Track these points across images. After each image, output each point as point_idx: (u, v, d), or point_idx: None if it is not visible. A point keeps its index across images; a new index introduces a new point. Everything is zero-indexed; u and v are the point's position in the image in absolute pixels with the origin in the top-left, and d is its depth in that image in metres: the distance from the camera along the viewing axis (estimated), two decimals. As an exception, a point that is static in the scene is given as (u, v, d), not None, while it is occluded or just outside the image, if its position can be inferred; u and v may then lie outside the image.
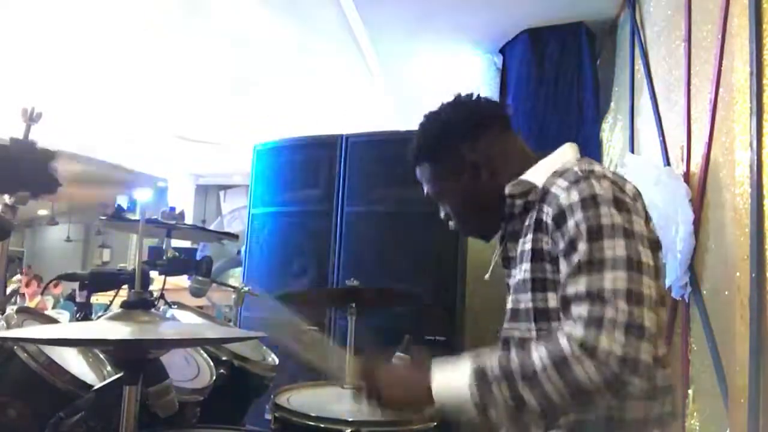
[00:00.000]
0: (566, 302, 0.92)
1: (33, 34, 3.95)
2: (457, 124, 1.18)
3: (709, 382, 1.53)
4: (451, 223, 1.24)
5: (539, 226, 1.03)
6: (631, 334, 0.83)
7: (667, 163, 1.94)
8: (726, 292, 1.44)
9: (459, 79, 3.59)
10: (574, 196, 0.96)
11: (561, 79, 2.86)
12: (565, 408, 0.88)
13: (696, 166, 1.69)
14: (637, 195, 1.04)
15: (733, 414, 1.35)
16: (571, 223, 0.95)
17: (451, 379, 0.94)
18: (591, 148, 2.80)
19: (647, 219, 1.03)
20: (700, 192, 1.63)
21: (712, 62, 1.56)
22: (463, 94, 1.23)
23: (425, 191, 1.25)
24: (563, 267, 0.95)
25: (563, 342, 0.86)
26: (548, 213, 1.01)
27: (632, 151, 2.37)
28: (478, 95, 1.22)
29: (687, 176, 1.73)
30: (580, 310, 0.88)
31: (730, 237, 1.41)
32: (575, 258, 0.92)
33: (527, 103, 2.92)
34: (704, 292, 1.60)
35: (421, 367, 0.99)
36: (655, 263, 0.99)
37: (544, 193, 1.04)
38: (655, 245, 1.03)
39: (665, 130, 2.01)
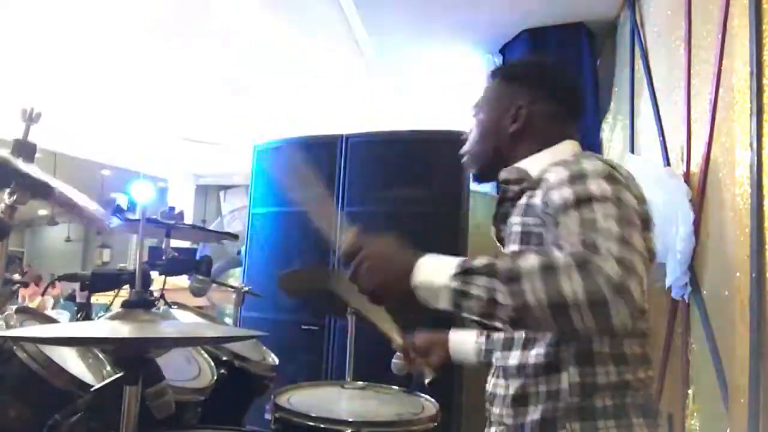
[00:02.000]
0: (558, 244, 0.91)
1: (33, 34, 3.95)
2: (540, 75, 1.23)
3: (709, 382, 1.53)
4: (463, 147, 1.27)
5: (529, 210, 1.05)
6: (624, 265, 0.80)
7: (667, 163, 1.94)
8: (726, 292, 1.44)
9: (459, 79, 3.59)
10: (563, 174, 0.97)
11: (561, 79, 2.86)
12: (538, 318, 0.82)
13: (696, 166, 1.69)
14: (631, 178, 1.03)
15: (733, 414, 1.35)
16: (558, 197, 0.95)
17: (437, 265, 0.91)
18: (591, 148, 2.79)
19: (640, 201, 1.01)
20: (700, 192, 1.63)
21: (712, 62, 1.56)
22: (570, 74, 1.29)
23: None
24: (549, 234, 0.97)
25: (556, 253, 0.83)
26: (538, 195, 1.02)
27: (632, 151, 2.37)
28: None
29: (687, 176, 1.73)
30: (574, 239, 0.87)
31: (730, 237, 1.41)
32: (565, 219, 0.92)
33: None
34: (704, 292, 1.60)
35: (408, 250, 0.95)
36: (647, 243, 0.99)
37: (539, 181, 1.06)
38: (649, 226, 1.03)
39: (665, 130, 2.01)
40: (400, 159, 2.76)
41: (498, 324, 0.86)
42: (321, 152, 2.90)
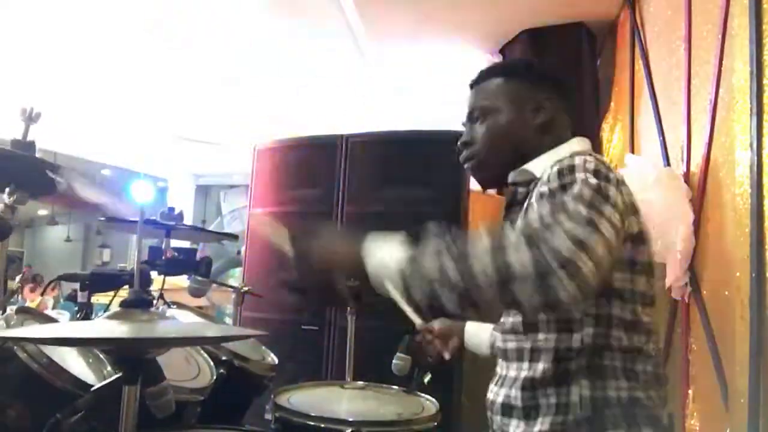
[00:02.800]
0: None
1: (33, 34, 3.95)
2: (550, 74, 1.23)
3: (709, 382, 1.52)
4: (464, 153, 1.22)
5: (528, 210, 1.05)
6: (577, 241, 0.79)
7: (667, 163, 1.94)
8: (726, 292, 1.44)
9: (459, 79, 3.59)
10: (554, 170, 0.98)
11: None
12: (485, 294, 0.82)
13: (696, 166, 1.69)
14: (623, 183, 1.01)
15: (733, 414, 1.35)
16: (544, 188, 0.96)
17: (385, 245, 0.92)
18: (591, 148, 2.80)
19: (630, 211, 1.00)
20: (700, 192, 1.63)
21: (712, 62, 1.56)
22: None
23: (470, 104, 1.22)
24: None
25: (509, 231, 0.83)
26: (534, 193, 1.03)
27: (632, 151, 2.37)
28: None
29: (687, 176, 1.73)
30: (535, 214, 0.87)
31: (730, 237, 1.41)
32: (539, 204, 0.93)
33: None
34: (704, 292, 1.60)
35: (357, 237, 0.96)
36: (645, 258, 1.01)
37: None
38: (642, 238, 1.03)
39: (665, 130, 2.01)
40: (400, 159, 2.76)
41: (445, 299, 0.84)
42: (321, 152, 2.89)
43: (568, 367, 0.99)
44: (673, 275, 1.67)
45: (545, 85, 1.20)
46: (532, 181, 1.11)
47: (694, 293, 1.65)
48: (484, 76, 1.23)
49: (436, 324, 1.47)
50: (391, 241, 0.92)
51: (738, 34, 1.40)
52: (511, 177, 1.15)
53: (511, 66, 1.24)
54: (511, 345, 1.09)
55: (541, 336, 1.03)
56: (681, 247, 1.63)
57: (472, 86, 1.25)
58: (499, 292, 0.80)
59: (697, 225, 1.63)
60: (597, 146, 2.86)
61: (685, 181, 1.71)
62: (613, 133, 2.83)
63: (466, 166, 1.23)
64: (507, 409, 1.06)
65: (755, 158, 1.27)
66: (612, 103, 2.88)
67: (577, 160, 0.97)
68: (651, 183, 1.75)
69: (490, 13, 2.95)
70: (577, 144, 1.17)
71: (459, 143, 1.22)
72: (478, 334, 1.44)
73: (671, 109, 1.95)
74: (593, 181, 0.91)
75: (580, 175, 0.92)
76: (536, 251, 0.79)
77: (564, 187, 0.91)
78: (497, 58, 3.26)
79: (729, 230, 1.43)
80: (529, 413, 1.02)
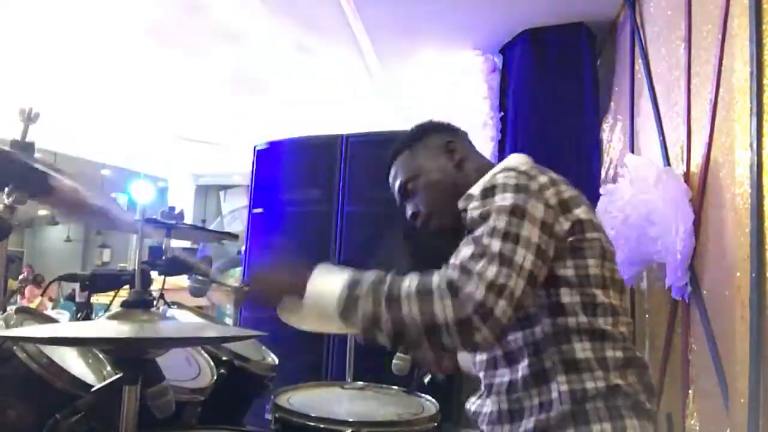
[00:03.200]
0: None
1: (33, 34, 3.95)
2: (437, 123, 1.35)
3: (709, 382, 1.53)
4: (417, 221, 1.30)
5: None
6: (494, 290, 0.87)
7: (667, 163, 1.94)
8: (726, 292, 1.44)
9: (459, 80, 3.59)
10: (478, 190, 1.04)
11: (561, 80, 2.86)
12: (414, 338, 0.90)
13: (696, 166, 1.69)
14: (549, 185, 1.03)
15: (733, 414, 1.35)
16: (469, 215, 1.02)
17: (328, 280, 0.98)
18: (591, 148, 2.80)
19: (565, 209, 1.03)
20: (700, 192, 1.63)
21: (712, 62, 1.56)
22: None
23: (398, 185, 1.31)
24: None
25: (435, 278, 0.92)
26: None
27: (632, 151, 2.37)
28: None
29: (687, 176, 1.73)
30: (456, 260, 0.94)
31: (730, 237, 1.41)
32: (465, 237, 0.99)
33: (527, 104, 2.93)
34: (704, 292, 1.60)
35: (302, 268, 1.03)
36: (588, 243, 1.03)
37: None
38: (581, 227, 1.03)
39: (665, 130, 2.01)
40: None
41: (380, 339, 0.93)
42: (321, 152, 2.89)
43: (543, 365, 1.02)
44: (673, 275, 1.68)
45: (440, 134, 1.30)
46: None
47: (694, 293, 1.65)
48: (391, 160, 1.33)
49: None
50: (335, 274, 0.99)
51: (738, 34, 1.40)
52: (460, 204, 1.16)
53: (403, 139, 1.33)
54: (486, 355, 1.12)
55: (510, 337, 1.06)
56: (681, 247, 1.63)
57: (387, 175, 1.35)
58: (425, 336, 0.90)
59: (697, 225, 1.63)
60: (597, 146, 2.86)
61: (685, 181, 1.71)
62: (613, 133, 2.83)
63: (427, 234, 1.30)
64: (495, 417, 1.08)
65: (755, 158, 1.27)
66: (612, 103, 2.88)
67: (499, 179, 1.02)
68: (651, 183, 1.75)
69: (490, 13, 2.96)
70: (513, 159, 1.20)
71: (408, 220, 1.31)
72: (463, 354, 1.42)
73: (671, 109, 1.95)
74: (508, 203, 0.97)
75: (497, 200, 0.99)
76: (455, 299, 0.88)
77: (483, 218, 0.98)
78: (498, 59, 3.27)
79: (729, 230, 1.43)
80: (514, 417, 1.05)
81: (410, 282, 0.93)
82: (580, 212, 1.04)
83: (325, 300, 0.96)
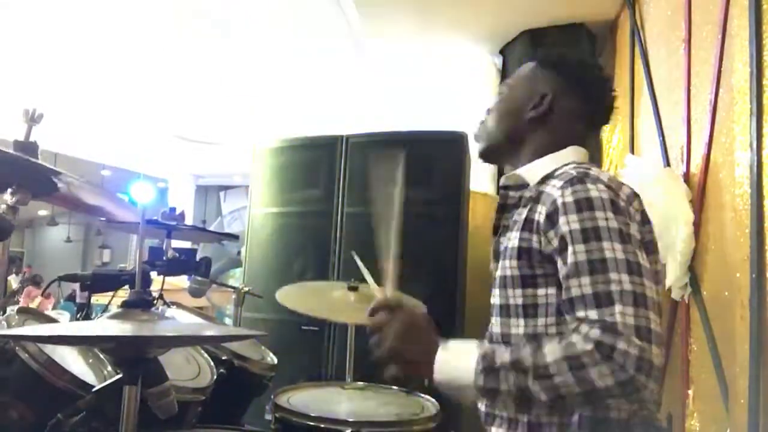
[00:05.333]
0: (572, 304, 0.91)
1: (33, 34, 3.95)
2: (581, 76, 1.20)
3: (709, 383, 1.53)
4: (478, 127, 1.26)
5: (530, 225, 1.03)
6: (643, 337, 0.83)
7: (667, 163, 1.94)
8: (726, 293, 1.44)
9: (459, 80, 3.59)
10: (569, 197, 0.97)
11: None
12: (575, 404, 0.88)
13: (696, 166, 1.69)
14: (633, 197, 1.03)
15: (733, 414, 1.35)
16: (563, 222, 0.95)
17: (458, 362, 0.94)
18: (591, 149, 2.80)
19: (644, 222, 1.03)
20: (700, 192, 1.63)
21: (712, 63, 1.56)
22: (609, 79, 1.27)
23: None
24: (561, 267, 0.95)
25: (578, 342, 0.85)
26: (541, 212, 1.01)
27: (632, 151, 2.37)
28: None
29: (687, 177, 1.73)
30: (589, 313, 0.88)
31: (730, 238, 1.41)
32: (573, 258, 0.92)
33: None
34: (704, 292, 1.60)
35: (432, 336, 1.00)
36: (654, 267, 0.99)
37: (539, 194, 1.05)
38: (652, 248, 1.03)
39: (665, 131, 2.01)
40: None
41: (535, 409, 0.92)
42: (321, 152, 2.89)
43: None
44: (673, 275, 1.68)
45: (567, 83, 1.17)
46: (523, 186, 1.11)
47: (694, 294, 1.65)
48: (535, 56, 1.26)
49: None
50: (461, 352, 0.96)
51: (738, 34, 1.40)
52: (502, 181, 1.15)
53: (548, 55, 1.24)
54: (505, 329, 1.10)
55: (541, 321, 1.03)
56: (681, 248, 1.63)
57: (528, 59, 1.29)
58: (587, 402, 0.86)
59: (697, 225, 1.63)
60: (597, 146, 2.86)
61: (685, 182, 1.71)
62: (613, 134, 2.83)
63: (475, 131, 1.27)
64: (505, 423, 1.07)
65: (755, 158, 1.27)
66: (612, 104, 2.87)
67: (593, 191, 0.96)
68: (651, 183, 1.75)
69: (491, 14, 2.96)
70: (576, 153, 1.16)
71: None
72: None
73: (671, 109, 1.95)
74: (614, 225, 0.92)
75: (598, 217, 0.93)
76: (610, 363, 0.82)
77: (592, 236, 0.92)
78: (498, 59, 3.27)
79: (729, 231, 1.43)
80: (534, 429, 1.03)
81: (552, 347, 0.86)
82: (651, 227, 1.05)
83: (459, 381, 0.93)
